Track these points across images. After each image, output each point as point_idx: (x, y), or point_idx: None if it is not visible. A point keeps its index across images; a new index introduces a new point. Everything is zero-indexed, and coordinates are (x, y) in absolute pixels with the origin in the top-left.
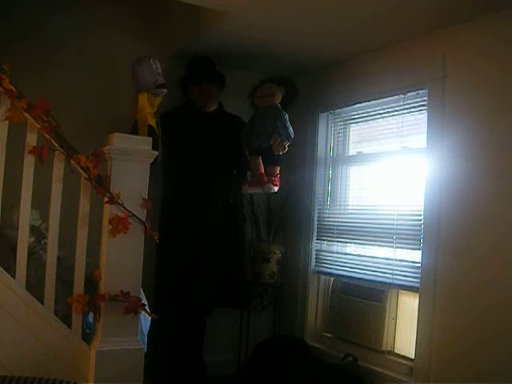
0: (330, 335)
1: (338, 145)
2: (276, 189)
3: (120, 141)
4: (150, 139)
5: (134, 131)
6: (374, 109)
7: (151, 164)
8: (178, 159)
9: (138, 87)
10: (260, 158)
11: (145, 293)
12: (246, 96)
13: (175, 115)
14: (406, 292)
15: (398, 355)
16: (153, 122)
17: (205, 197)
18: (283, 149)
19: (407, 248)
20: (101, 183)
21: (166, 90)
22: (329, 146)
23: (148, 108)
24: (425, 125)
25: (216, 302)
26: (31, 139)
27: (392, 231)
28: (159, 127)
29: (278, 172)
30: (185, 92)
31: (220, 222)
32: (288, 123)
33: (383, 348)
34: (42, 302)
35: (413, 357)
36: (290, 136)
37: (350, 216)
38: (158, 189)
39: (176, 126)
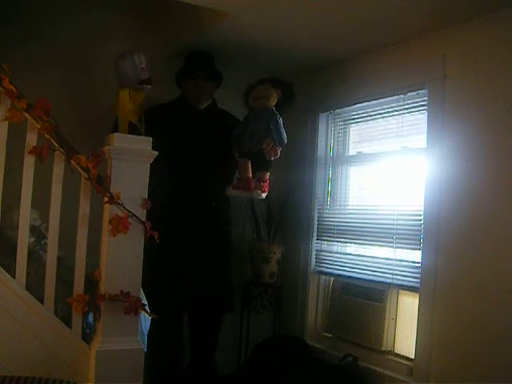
0: (330, 335)
1: (338, 145)
2: (264, 195)
3: (120, 141)
4: (151, 139)
5: (115, 129)
6: (373, 109)
7: None
8: (163, 155)
9: (121, 83)
10: (249, 162)
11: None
12: (241, 95)
13: (165, 109)
14: (406, 292)
15: (398, 355)
16: (134, 119)
17: (187, 196)
18: (275, 154)
19: (407, 248)
20: (101, 183)
21: (149, 86)
22: (329, 146)
23: (129, 104)
24: (425, 125)
25: (217, 305)
26: (31, 139)
27: (392, 231)
28: (142, 123)
29: (267, 178)
30: (180, 85)
31: (201, 223)
32: (282, 128)
33: (383, 348)
34: (42, 302)
35: (413, 357)
36: (283, 141)
37: (350, 216)
38: None
39: (164, 119)
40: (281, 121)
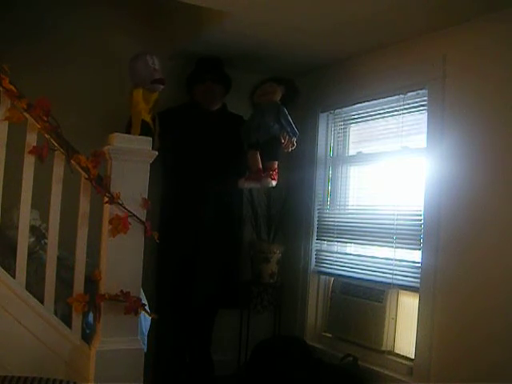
0: (329, 335)
1: (338, 145)
2: (274, 183)
3: (120, 141)
4: (150, 139)
5: (129, 127)
6: (373, 109)
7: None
8: (176, 157)
9: (134, 83)
10: (258, 153)
11: (146, 292)
12: (248, 96)
13: (176, 112)
14: (406, 292)
15: (398, 355)
16: (147, 118)
17: (202, 196)
18: (292, 145)
19: (407, 248)
20: (101, 183)
21: (162, 86)
22: (329, 146)
23: (142, 104)
24: (425, 125)
25: (214, 301)
26: (31, 139)
27: (392, 231)
28: (156, 123)
29: (276, 167)
30: (190, 90)
31: (216, 222)
32: (290, 119)
33: (383, 348)
34: (42, 302)
35: (413, 357)
36: (296, 131)
37: (350, 216)
38: (158, 187)
39: (176, 123)
40: (287, 112)
